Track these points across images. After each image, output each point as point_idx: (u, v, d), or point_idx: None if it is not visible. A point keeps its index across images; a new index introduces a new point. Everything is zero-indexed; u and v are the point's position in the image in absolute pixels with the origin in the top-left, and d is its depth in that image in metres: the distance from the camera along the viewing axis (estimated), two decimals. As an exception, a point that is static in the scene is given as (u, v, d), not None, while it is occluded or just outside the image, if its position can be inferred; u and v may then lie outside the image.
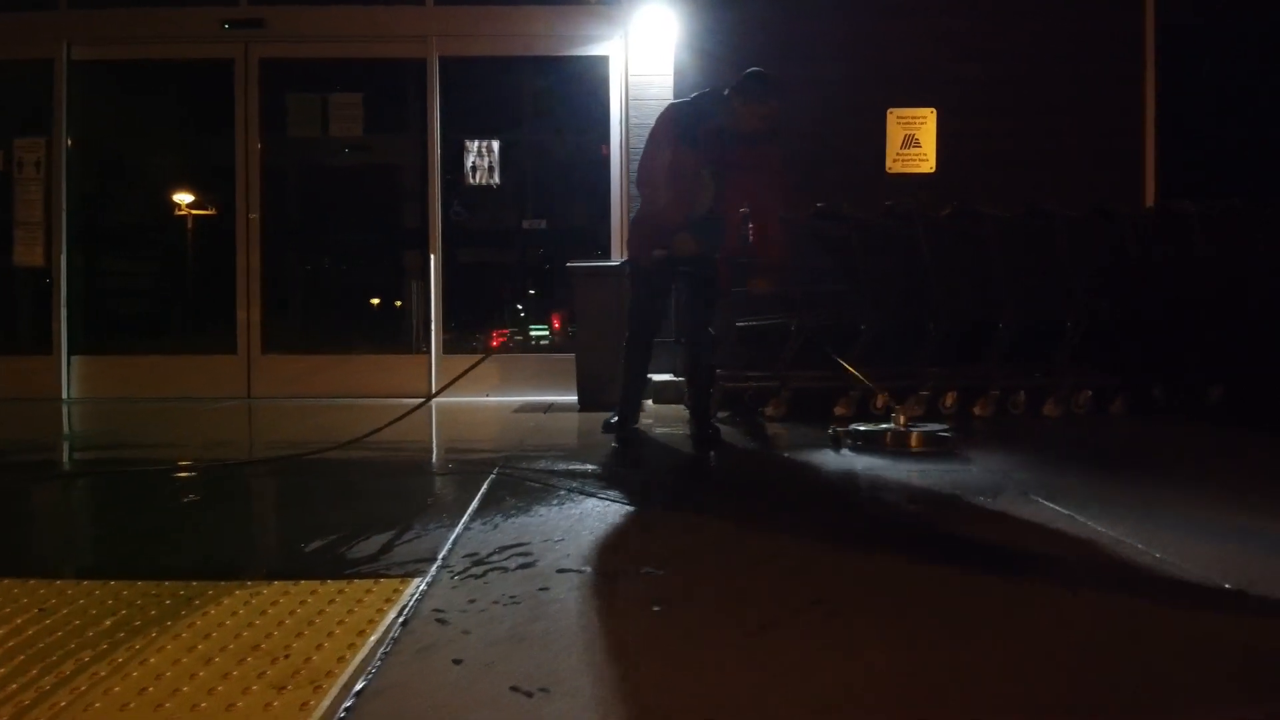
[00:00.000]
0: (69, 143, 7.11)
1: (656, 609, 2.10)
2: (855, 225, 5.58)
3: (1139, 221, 5.86)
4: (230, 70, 7.06)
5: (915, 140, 6.79)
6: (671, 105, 4.50)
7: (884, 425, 4.42)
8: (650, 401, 6.59)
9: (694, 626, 2.02)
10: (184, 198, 7.45)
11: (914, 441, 4.24)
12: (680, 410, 6.04)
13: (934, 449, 4.22)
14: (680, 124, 4.31)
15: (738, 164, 4.36)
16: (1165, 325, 5.80)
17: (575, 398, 6.47)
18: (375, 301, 7.60)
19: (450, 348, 7.17)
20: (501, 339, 7.42)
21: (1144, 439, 4.93)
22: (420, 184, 7.13)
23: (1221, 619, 2.03)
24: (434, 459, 4.64)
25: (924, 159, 6.80)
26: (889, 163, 6.83)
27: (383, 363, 7.12)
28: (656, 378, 6.73)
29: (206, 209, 7.43)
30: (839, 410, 5.53)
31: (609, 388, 6.38)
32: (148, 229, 7.51)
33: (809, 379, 5.57)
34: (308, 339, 7.37)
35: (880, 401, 5.68)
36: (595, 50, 7.15)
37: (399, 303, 7.51)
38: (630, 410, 4.79)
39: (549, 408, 6.46)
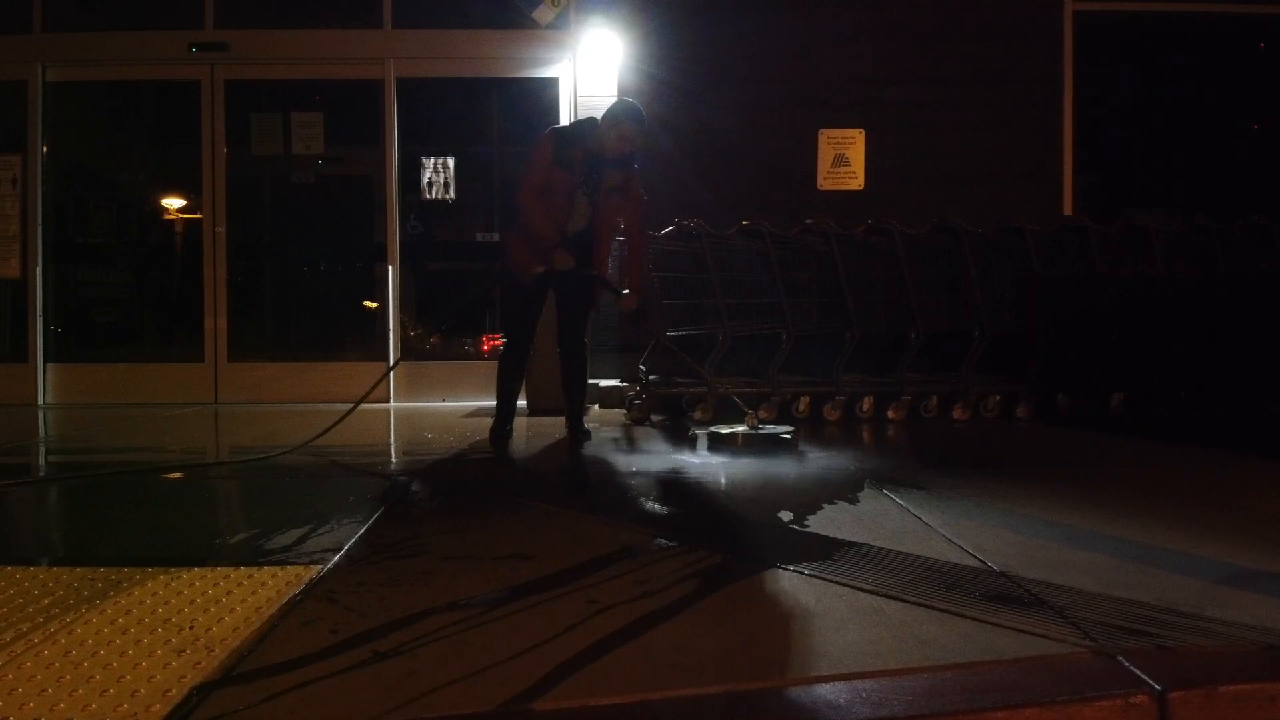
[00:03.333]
0: (44, 160, 7.47)
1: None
2: (774, 242, 5.96)
3: (1043, 238, 6.25)
4: (197, 90, 7.42)
5: (845, 159, 7.18)
6: (550, 130, 4.79)
7: (737, 428, 4.82)
8: (596, 406, 6.97)
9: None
10: (154, 212, 7.81)
11: (760, 441, 4.65)
12: (619, 414, 6.43)
13: (777, 448, 4.62)
14: (557, 147, 4.63)
15: (605, 187, 4.72)
16: (1069, 335, 6.20)
17: (525, 402, 6.84)
18: (337, 311, 7.95)
19: (408, 355, 7.55)
20: (493, 344, 7.75)
21: (1018, 440, 5.31)
22: (379, 198, 7.51)
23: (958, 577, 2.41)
24: (366, 462, 4.95)
25: (853, 176, 7.19)
26: (820, 180, 7.22)
27: (344, 369, 7.48)
28: (602, 383, 7.12)
29: (175, 223, 7.79)
30: (762, 414, 5.91)
31: (555, 395, 6.77)
32: (120, 242, 7.85)
33: (734, 385, 5.95)
34: (273, 347, 7.74)
35: (803, 405, 6.09)
36: (546, 72, 7.54)
37: (359, 312, 7.87)
38: (504, 416, 5.07)
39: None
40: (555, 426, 5.75)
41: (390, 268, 7.46)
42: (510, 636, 2.11)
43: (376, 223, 7.56)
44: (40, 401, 7.35)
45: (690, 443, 4.74)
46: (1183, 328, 6.25)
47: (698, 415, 5.92)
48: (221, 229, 7.44)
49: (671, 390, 6.11)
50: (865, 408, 6.09)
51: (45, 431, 6.25)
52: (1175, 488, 3.78)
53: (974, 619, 2.03)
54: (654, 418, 6.07)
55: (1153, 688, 1.62)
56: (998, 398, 6.14)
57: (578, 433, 5.07)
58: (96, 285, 7.87)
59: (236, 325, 7.52)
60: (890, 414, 6.05)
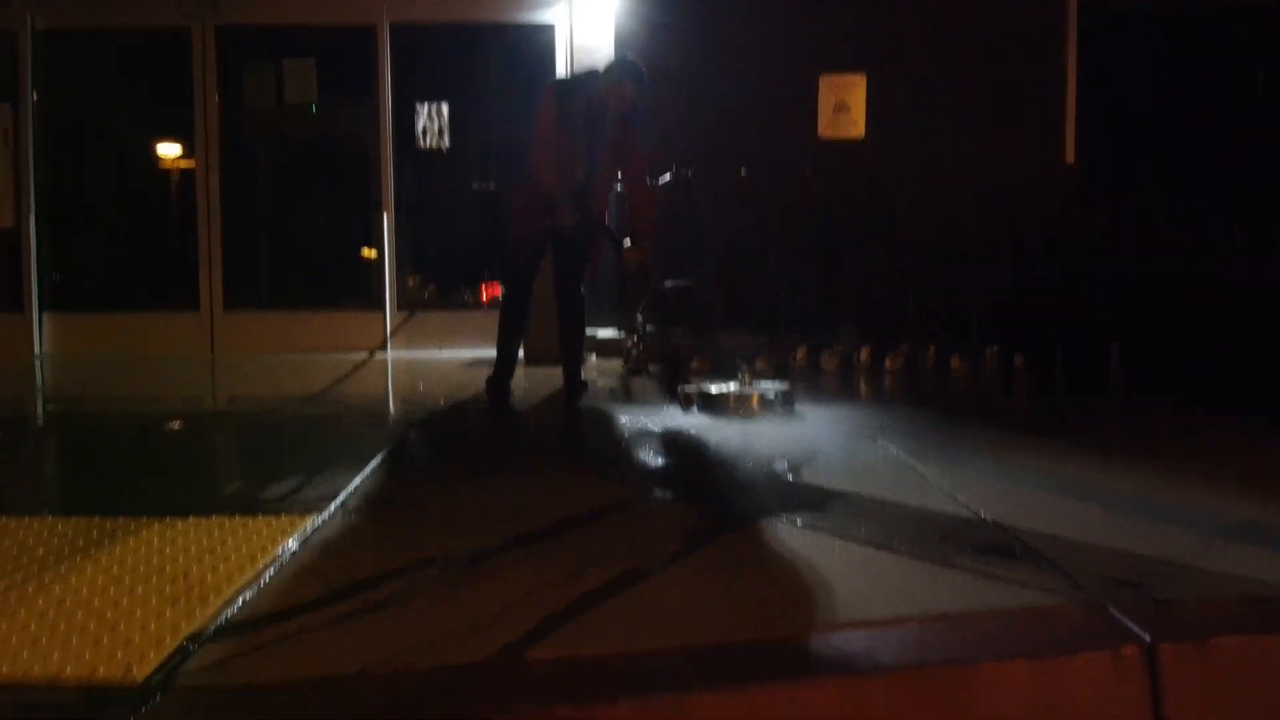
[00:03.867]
0: (35, 109, 7.37)
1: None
2: (772, 193, 5.91)
3: (1039, 197, 6.20)
4: (188, 38, 7.30)
5: (846, 105, 7.08)
6: (553, 82, 4.76)
7: (728, 386, 4.75)
8: (594, 356, 6.96)
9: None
10: (147, 161, 7.73)
11: (753, 400, 4.59)
12: (617, 364, 6.42)
13: (769, 405, 4.57)
14: (560, 100, 4.57)
15: (605, 142, 4.65)
16: (1066, 290, 6.17)
17: (523, 353, 6.83)
18: (333, 261, 7.90)
19: (404, 304, 7.52)
20: (491, 294, 7.69)
21: (1015, 391, 5.32)
22: (373, 147, 7.42)
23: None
24: (363, 414, 4.94)
25: (854, 124, 7.09)
26: (821, 127, 7.11)
27: (339, 319, 7.45)
28: (600, 333, 7.10)
29: (169, 172, 7.71)
30: (759, 365, 5.90)
31: (552, 345, 6.75)
32: (114, 192, 7.79)
33: (732, 336, 5.93)
34: (269, 297, 7.69)
35: (801, 355, 6.08)
36: (541, 18, 7.40)
37: (356, 262, 7.82)
38: (502, 369, 5.03)
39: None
40: (552, 377, 5.72)
41: (386, 216, 7.40)
42: (503, 589, 2.11)
43: (371, 172, 7.48)
44: (37, 351, 7.34)
45: (682, 400, 4.72)
46: (1184, 284, 6.21)
47: (695, 366, 5.90)
48: (215, 178, 7.37)
49: (669, 342, 6.08)
50: (863, 358, 6.08)
51: (42, 381, 6.26)
52: (1173, 441, 3.78)
53: (966, 570, 2.03)
54: (651, 369, 6.05)
55: (1142, 640, 1.63)
56: (996, 348, 6.12)
57: (574, 385, 5.05)
58: (91, 235, 7.81)
59: (231, 275, 7.48)
60: (888, 364, 6.04)
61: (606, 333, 7.02)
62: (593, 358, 6.90)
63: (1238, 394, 5.14)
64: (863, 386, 5.56)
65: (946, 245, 6.10)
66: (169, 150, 7.67)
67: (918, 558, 2.14)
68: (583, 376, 5.16)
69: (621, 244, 4.93)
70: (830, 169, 6.47)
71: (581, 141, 4.62)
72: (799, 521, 2.47)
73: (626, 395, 5.15)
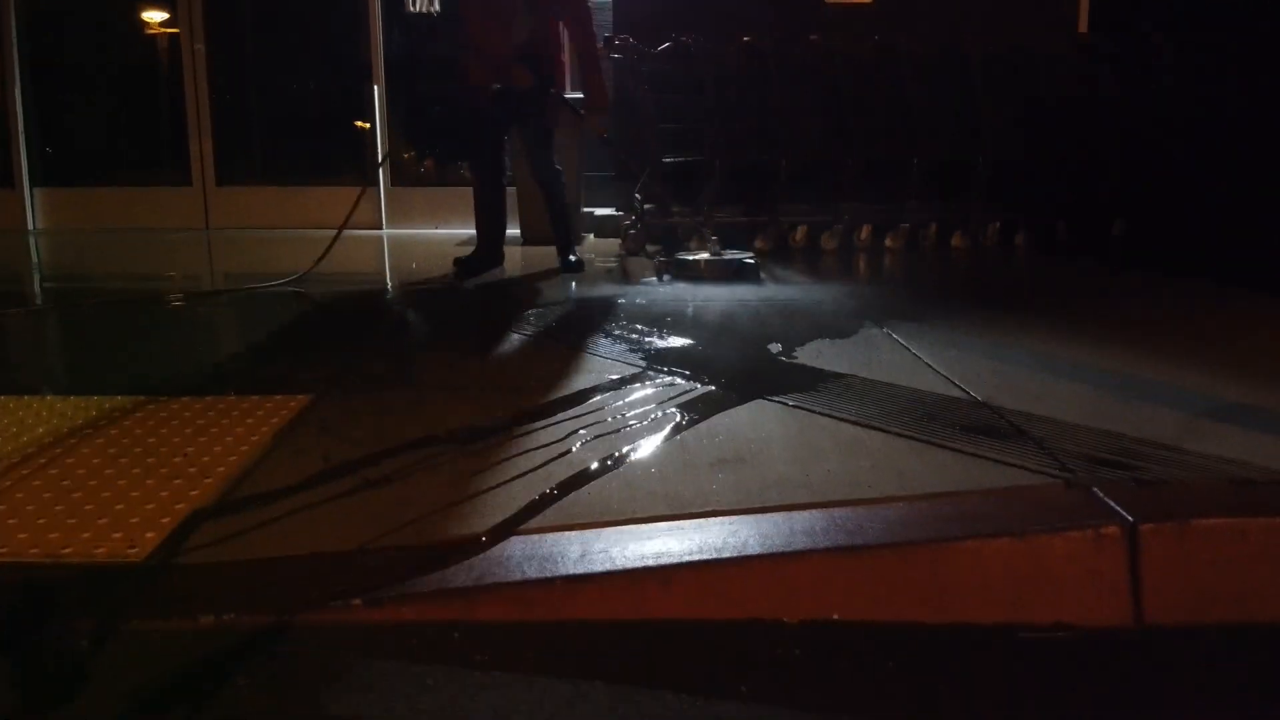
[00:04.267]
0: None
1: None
2: (776, 61, 5.72)
3: (1053, 61, 6.00)
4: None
5: (854, -31, 6.79)
6: None
7: (700, 255, 4.78)
8: (592, 235, 6.89)
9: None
10: (133, 28, 7.47)
11: (721, 268, 4.63)
12: (615, 244, 6.36)
13: (739, 275, 4.62)
14: None
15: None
16: (1073, 162, 6.05)
17: (519, 231, 6.76)
18: (325, 133, 7.73)
19: (399, 180, 7.40)
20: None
21: (1014, 269, 5.30)
22: (363, 13, 7.15)
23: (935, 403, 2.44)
24: (357, 292, 4.87)
25: (863, -11, 6.82)
26: (828, -9, 6.85)
27: (335, 194, 7.34)
28: (597, 211, 7.01)
29: (156, 39, 7.45)
30: (758, 244, 5.86)
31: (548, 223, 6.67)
32: (102, 62, 7.56)
33: (731, 215, 5.85)
34: (261, 171, 7.55)
35: (800, 235, 6.01)
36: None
37: (348, 134, 7.65)
38: (485, 248, 4.98)
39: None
40: (547, 256, 5.69)
41: (376, 87, 7.20)
42: (499, 466, 2.14)
43: (360, 40, 7.24)
44: (30, 227, 7.26)
45: (659, 270, 4.71)
46: (1190, 151, 6.08)
47: (693, 246, 5.85)
48: (201, 46, 7.15)
49: (666, 220, 6.01)
50: (863, 236, 6.01)
51: (37, 258, 6.21)
52: (1167, 320, 3.77)
53: (953, 449, 2.05)
54: (649, 248, 6.00)
55: (1125, 519, 1.65)
56: (997, 226, 6.05)
57: (568, 263, 5.01)
58: (80, 108, 7.63)
59: (223, 148, 7.33)
60: (888, 242, 5.98)
61: (604, 211, 6.93)
62: (590, 237, 6.84)
63: (1247, 269, 5.12)
64: (860, 263, 5.53)
65: (954, 118, 5.93)
66: (154, 15, 7.40)
67: (902, 435, 2.15)
68: (576, 255, 5.11)
69: (578, 110, 4.80)
70: (837, 36, 6.23)
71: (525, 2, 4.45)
72: (789, 400, 2.48)
73: (622, 275, 5.11)
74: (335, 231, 5.07)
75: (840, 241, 5.93)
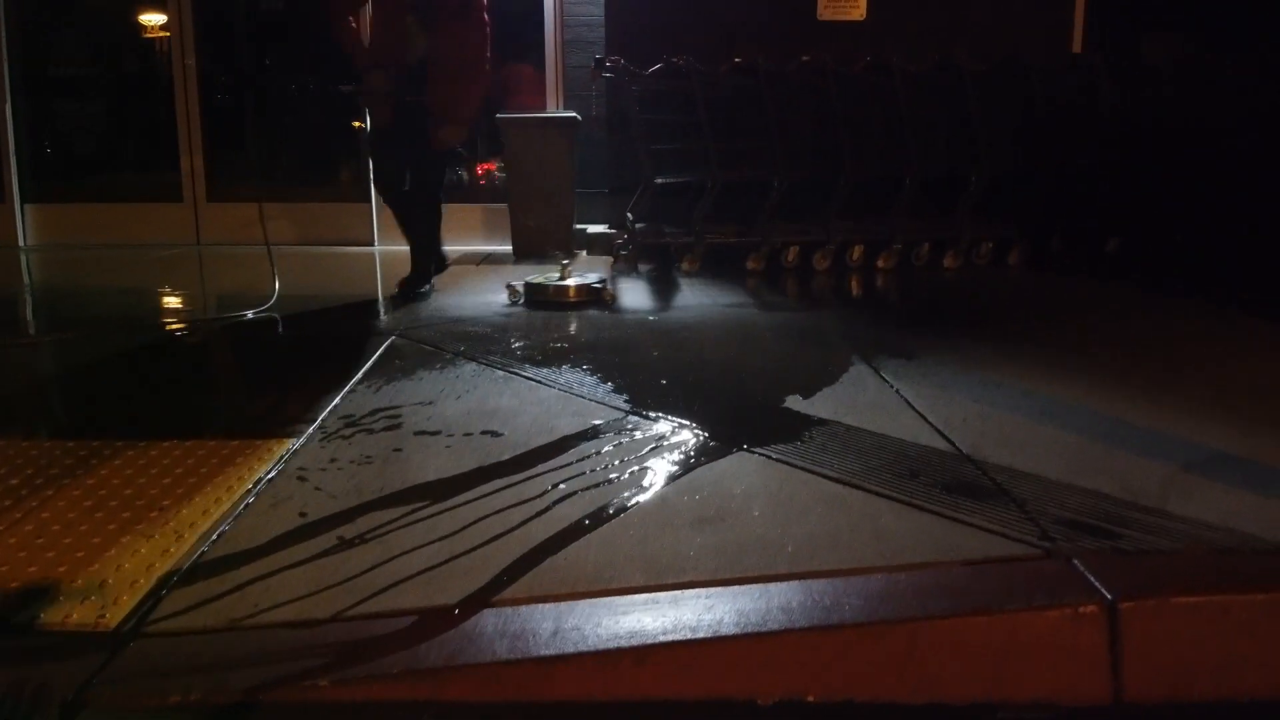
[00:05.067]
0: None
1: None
2: (768, 80, 5.70)
3: (1048, 75, 5.99)
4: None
5: (847, -13, 6.78)
6: None
7: (552, 278, 4.76)
8: (584, 253, 6.87)
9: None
10: (123, 46, 7.44)
11: (571, 293, 4.67)
12: (607, 261, 6.33)
13: (588, 298, 4.66)
14: None
15: (447, 11, 4.46)
16: (1068, 178, 6.03)
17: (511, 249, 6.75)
18: (318, 148, 7.70)
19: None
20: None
21: (1007, 292, 5.29)
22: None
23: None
24: (346, 316, 4.78)
25: (855, 6, 6.81)
26: (820, 9, 6.83)
27: (326, 210, 7.32)
28: (590, 229, 6.99)
29: (146, 55, 7.43)
30: (750, 265, 5.84)
31: (540, 239, 6.66)
32: (93, 79, 7.53)
33: (722, 234, 5.83)
34: (252, 187, 7.51)
35: (793, 255, 5.99)
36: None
37: (343, 149, 7.62)
38: (417, 267, 4.92)
39: (485, 259, 6.73)
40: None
41: (369, 103, 7.17)
42: (475, 525, 2.11)
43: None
44: (21, 243, 7.23)
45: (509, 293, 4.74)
46: (1185, 170, 6.06)
47: (685, 266, 5.84)
48: (191, 62, 7.11)
49: (659, 240, 5.99)
50: (855, 256, 5.99)
51: (27, 277, 6.20)
52: (1159, 349, 3.75)
53: (934, 513, 2.03)
54: (641, 267, 5.98)
55: (1104, 596, 1.63)
56: (990, 244, 6.03)
57: (411, 278, 4.91)
58: (72, 124, 7.60)
59: (214, 164, 7.30)
60: (880, 263, 5.96)
61: (597, 229, 6.92)
62: (583, 254, 6.82)
63: (1242, 288, 5.11)
64: (852, 284, 5.52)
65: (947, 136, 5.92)
66: (144, 31, 7.37)
67: (884, 495, 2.14)
68: (427, 285, 4.97)
69: (436, 123, 4.68)
70: (830, 53, 6.23)
71: (414, 8, 4.44)
72: (772, 453, 2.46)
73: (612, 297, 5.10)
74: (333, 248, 5.03)
75: (832, 261, 5.90)
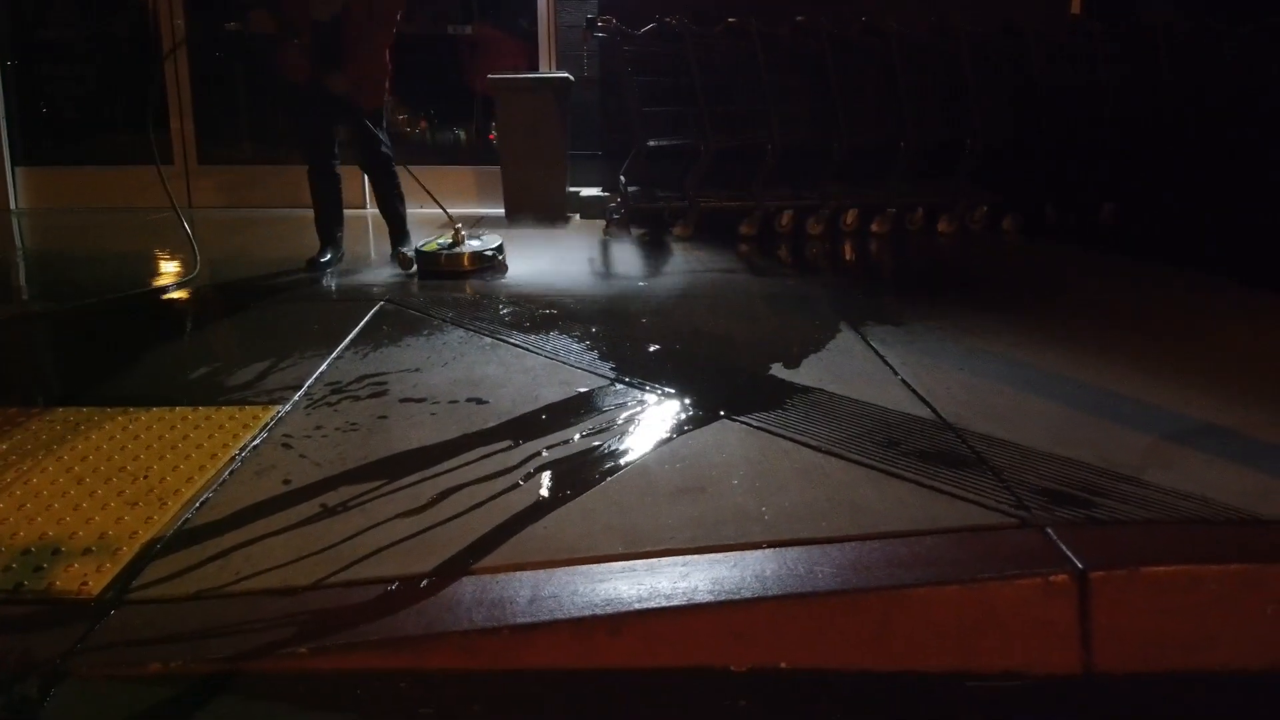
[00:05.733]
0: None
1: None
2: (763, 42, 5.64)
3: (1046, 41, 5.92)
4: None
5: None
6: None
7: (440, 245, 4.68)
8: (577, 216, 6.83)
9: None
10: (117, 7, 7.35)
11: (466, 261, 4.61)
12: (600, 225, 6.30)
13: (482, 265, 4.61)
14: None
15: None
16: (1064, 145, 5.99)
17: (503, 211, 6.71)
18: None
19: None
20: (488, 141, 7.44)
21: (1000, 258, 5.26)
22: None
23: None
24: (336, 283, 4.74)
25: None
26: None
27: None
28: (583, 192, 6.95)
29: (136, 13, 7.33)
30: (744, 229, 5.82)
31: (533, 202, 6.62)
32: (83, 40, 7.42)
33: (716, 199, 5.80)
34: (244, 149, 7.46)
35: (786, 220, 5.96)
36: None
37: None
38: (325, 241, 4.83)
39: (479, 221, 6.69)
40: (533, 238, 5.66)
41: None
42: (456, 493, 2.13)
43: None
44: (12, 206, 7.19)
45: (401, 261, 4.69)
46: (1181, 137, 6.02)
47: (678, 231, 5.81)
48: (180, 21, 7.02)
49: (652, 205, 5.96)
50: (849, 221, 5.96)
51: (20, 243, 6.17)
52: (1149, 317, 3.75)
53: (912, 481, 2.04)
54: (634, 231, 5.95)
55: (1075, 566, 1.65)
56: (984, 209, 6.00)
57: (398, 255, 4.82)
58: (62, 86, 7.50)
59: (204, 126, 7.23)
60: (874, 227, 5.94)
61: (590, 192, 6.87)
62: (576, 217, 6.79)
63: (1235, 257, 5.10)
64: (846, 249, 5.51)
65: (943, 101, 5.87)
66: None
67: (862, 464, 2.15)
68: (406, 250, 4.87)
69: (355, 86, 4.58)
70: (825, 14, 6.16)
71: None
72: (754, 420, 2.47)
73: (605, 253, 5.08)
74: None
75: (826, 226, 5.88)
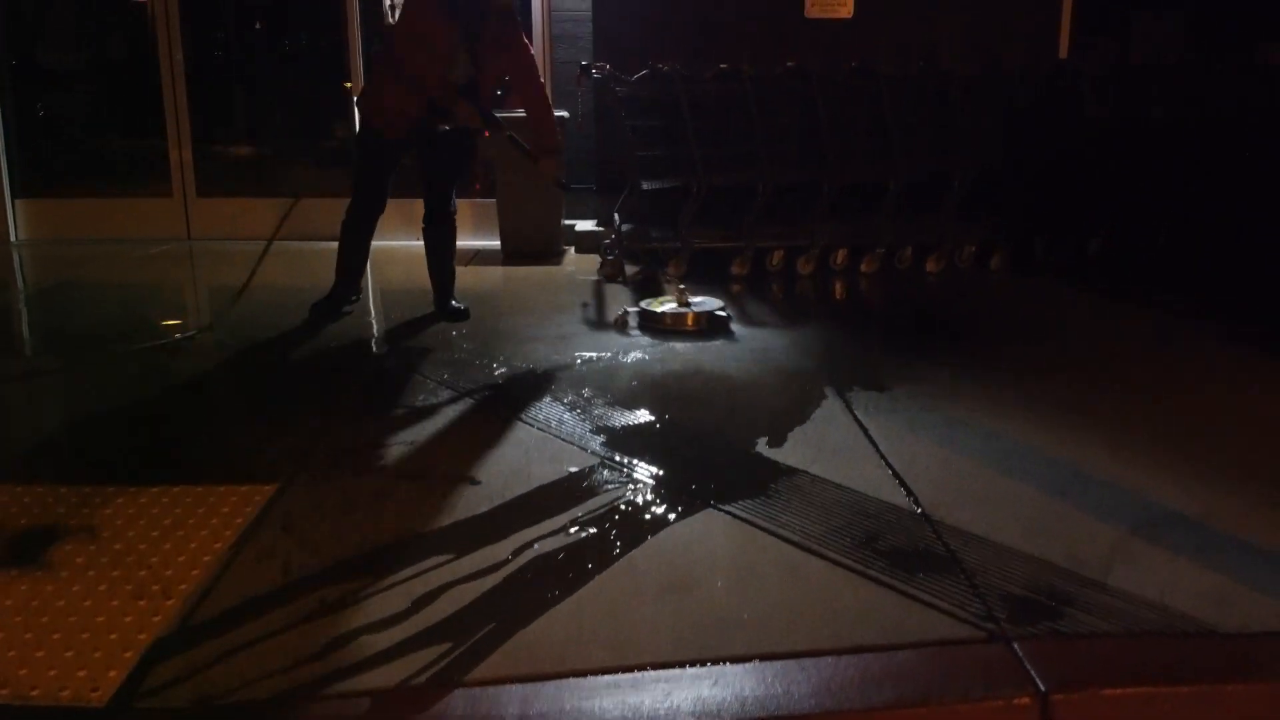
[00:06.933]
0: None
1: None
2: (754, 86, 5.73)
3: (1031, 79, 6.02)
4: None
5: (835, -16, 6.78)
6: None
7: (666, 305, 4.70)
8: (572, 249, 6.91)
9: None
10: (111, 38, 7.43)
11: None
12: (594, 260, 6.37)
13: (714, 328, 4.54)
14: None
15: (487, 38, 4.41)
16: (1050, 183, 6.08)
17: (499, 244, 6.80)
18: (307, 140, 7.71)
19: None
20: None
21: (987, 304, 5.39)
22: (337, 20, 7.10)
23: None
24: (335, 334, 4.64)
25: (843, 4, 6.81)
26: (808, 7, 6.83)
27: (317, 206, 7.33)
28: (578, 225, 7.03)
29: (134, 47, 7.41)
30: (735, 269, 5.90)
31: (528, 237, 6.70)
32: (83, 73, 7.51)
33: (708, 238, 5.89)
34: (242, 180, 7.53)
35: (777, 259, 6.05)
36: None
37: (331, 141, 7.64)
38: (344, 286, 4.85)
39: (475, 256, 6.77)
40: (534, 274, 5.72)
41: (354, 88, 7.18)
42: (452, 590, 2.20)
43: (337, 44, 7.19)
44: (12, 238, 7.25)
45: (620, 324, 4.66)
46: (1164, 171, 6.12)
47: (671, 270, 5.90)
48: (179, 56, 7.09)
49: (646, 246, 6.06)
50: (839, 259, 6.05)
51: (22, 277, 6.24)
52: (1130, 376, 3.83)
53: (887, 585, 2.13)
54: (628, 269, 6.03)
55: (1038, 688, 1.74)
56: (972, 248, 6.10)
57: (451, 310, 4.85)
58: (62, 119, 7.59)
59: (203, 158, 7.31)
60: (864, 266, 6.03)
61: (585, 226, 6.96)
62: (571, 251, 6.87)
63: (1219, 301, 5.19)
64: (836, 289, 5.62)
65: (931, 139, 5.97)
66: (134, 26, 7.34)
67: (841, 564, 2.23)
68: (459, 301, 4.94)
69: (529, 152, 4.72)
70: (817, 51, 6.27)
71: (462, 37, 4.37)
72: (738, 510, 2.55)
73: (587, 309, 5.15)
74: (328, 243, 4.97)
75: (816, 265, 5.97)
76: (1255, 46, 7.23)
